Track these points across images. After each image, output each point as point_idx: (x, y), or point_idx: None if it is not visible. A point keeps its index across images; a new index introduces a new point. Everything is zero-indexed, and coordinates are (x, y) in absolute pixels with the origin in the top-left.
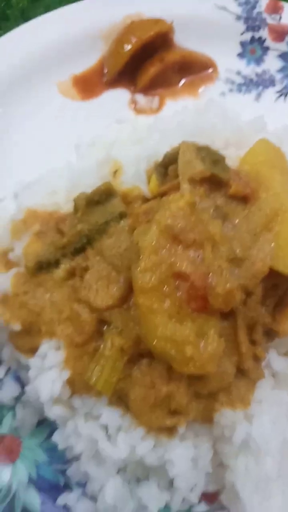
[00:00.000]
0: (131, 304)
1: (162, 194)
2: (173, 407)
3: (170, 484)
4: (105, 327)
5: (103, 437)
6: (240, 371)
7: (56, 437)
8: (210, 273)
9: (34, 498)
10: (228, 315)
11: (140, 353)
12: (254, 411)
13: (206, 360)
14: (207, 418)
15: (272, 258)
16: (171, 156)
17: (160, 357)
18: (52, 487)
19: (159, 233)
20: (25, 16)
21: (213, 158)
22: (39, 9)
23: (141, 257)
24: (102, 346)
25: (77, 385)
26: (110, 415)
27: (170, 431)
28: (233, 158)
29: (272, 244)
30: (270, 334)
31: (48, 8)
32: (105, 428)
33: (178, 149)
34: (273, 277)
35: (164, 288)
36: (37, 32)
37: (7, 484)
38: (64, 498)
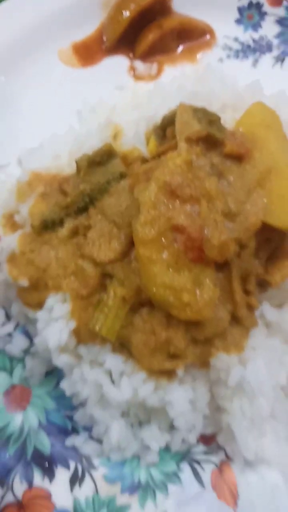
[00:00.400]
0: (132, 258)
1: (160, 155)
2: (172, 351)
3: (170, 426)
4: (108, 280)
5: (107, 381)
6: (235, 319)
7: (64, 384)
8: (206, 226)
9: (44, 440)
10: (223, 267)
11: (140, 302)
12: (248, 356)
13: (202, 306)
14: (204, 363)
15: (264, 212)
16: (169, 118)
17: (159, 305)
18: (60, 431)
19: (158, 189)
20: None
21: (209, 118)
22: None
23: (141, 212)
24: (105, 296)
25: (83, 335)
26: (114, 361)
27: (170, 374)
28: (229, 121)
29: (265, 200)
30: (263, 285)
31: None
32: (109, 373)
33: (176, 111)
34: (266, 231)
35: (163, 240)
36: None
37: (19, 429)
38: (72, 440)
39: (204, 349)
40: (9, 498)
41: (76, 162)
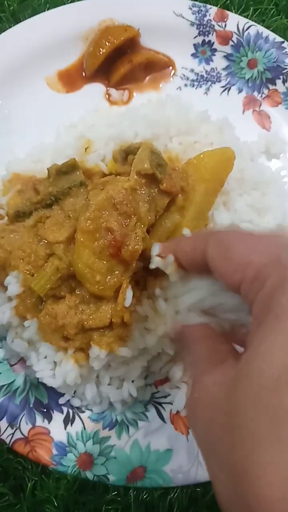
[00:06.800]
0: (73, 243)
1: (117, 174)
2: (65, 334)
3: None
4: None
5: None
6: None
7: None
8: (128, 236)
9: (43, 393)
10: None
11: (69, 274)
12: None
13: (107, 287)
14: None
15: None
16: (134, 148)
17: (79, 277)
18: (55, 392)
19: (105, 199)
20: (15, 17)
21: (159, 162)
22: (27, 11)
23: (88, 210)
24: (45, 265)
25: (20, 310)
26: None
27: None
28: (183, 143)
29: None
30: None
31: (34, 10)
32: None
33: (140, 145)
34: None
35: (96, 234)
36: (28, 33)
37: (22, 383)
38: (64, 399)
39: (87, 339)
40: (17, 435)
41: (48, 170)
